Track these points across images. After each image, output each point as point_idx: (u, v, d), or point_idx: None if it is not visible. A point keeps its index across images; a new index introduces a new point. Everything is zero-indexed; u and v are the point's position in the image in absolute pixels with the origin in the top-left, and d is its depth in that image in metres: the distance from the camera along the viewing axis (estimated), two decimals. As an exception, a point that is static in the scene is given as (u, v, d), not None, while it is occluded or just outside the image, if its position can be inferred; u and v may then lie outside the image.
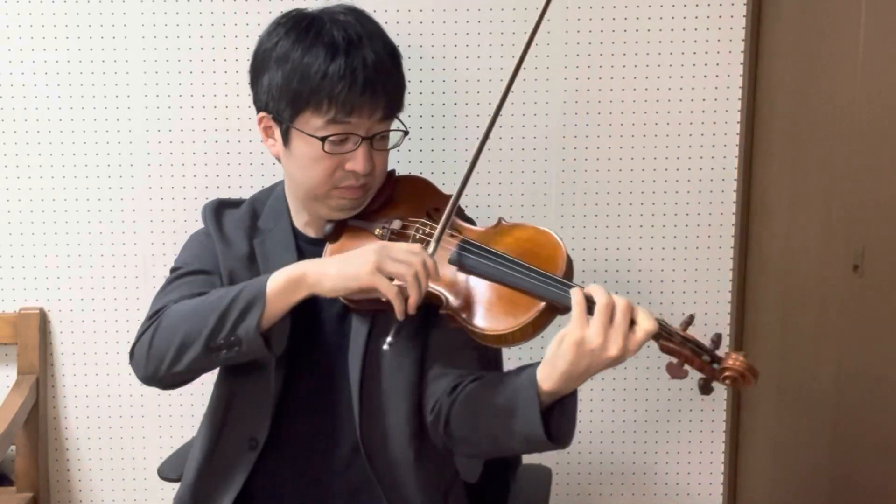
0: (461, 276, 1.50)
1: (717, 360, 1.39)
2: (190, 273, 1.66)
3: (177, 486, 1.76)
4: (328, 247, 1.62)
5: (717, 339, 1.40)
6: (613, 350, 1.35)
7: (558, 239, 1.51)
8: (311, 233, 1.67)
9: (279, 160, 1.64)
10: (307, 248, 1.66)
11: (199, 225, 1.74)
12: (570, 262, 1.50)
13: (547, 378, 1.39)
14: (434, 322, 1.58)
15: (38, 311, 2.34)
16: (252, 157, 2.29)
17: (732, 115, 2.30)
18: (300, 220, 1.67)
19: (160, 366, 1.54)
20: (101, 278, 2.35)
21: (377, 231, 1.60)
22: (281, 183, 1.71)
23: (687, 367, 1.39)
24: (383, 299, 1.47)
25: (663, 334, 1.38)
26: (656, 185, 2.32)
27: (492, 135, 1.60)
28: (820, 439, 2.08)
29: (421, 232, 1.58)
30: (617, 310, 1.35)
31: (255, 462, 1.63)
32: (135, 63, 2.28)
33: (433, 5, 2.26)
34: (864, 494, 1.92)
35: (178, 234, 2.29)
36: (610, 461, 2.44)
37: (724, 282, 2.36)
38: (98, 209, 2.33)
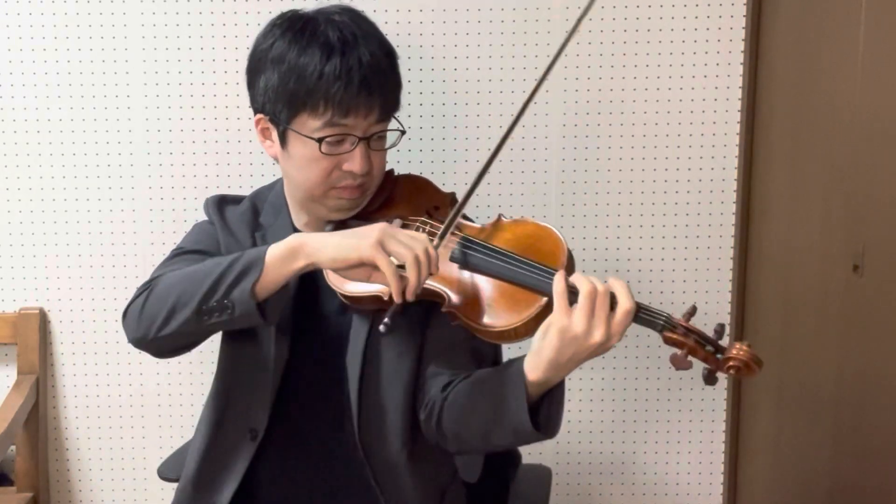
0: (463, 274, 1.51)
1: (721, 350, 1.39)
2: (191, 252, 1.66)
3: (177, 486, 1.76)
4: None
5: (720, 330, 1.41)
6: (597, 336, 1.36)
7: (559, 234, 1.52)
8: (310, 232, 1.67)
9: (277, 161, 1.64)
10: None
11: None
12: (571, 257, 1.50)
13: (534, 368, 1.41)
14: (433, 321, 1.58)
15: (38, 311, 2.34)
16: (252, 157, 2.29)
17: (732, 115, 2.30)
18: (300, 221, 1.68)
19: (150, 328, 1.53)
20: (101, 278, 2.35)
21: None
22: (281, 180, 1.71)
23: (691, 357, 1.39)
24: (381, 291, 1.47)
25: (667, 326, 1.38)
26: (656, 186, 2.32)
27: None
28: (820, 439, 2.08)
29: (422, 230, 1.58)
30: (598, 295, 1.36)
31: (256, 453, 1.63)
32: (135, 63, 2.28)
33: (433, 5, 2.26)
34: (864, 494, 1.92)
35: (178, 234, 2.29)
36: (610, 461, 2.44)
37: (724, 282, 2.36)
38: (98, 209, 2.33)
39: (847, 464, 1.99)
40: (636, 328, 1.42)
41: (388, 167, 1.68)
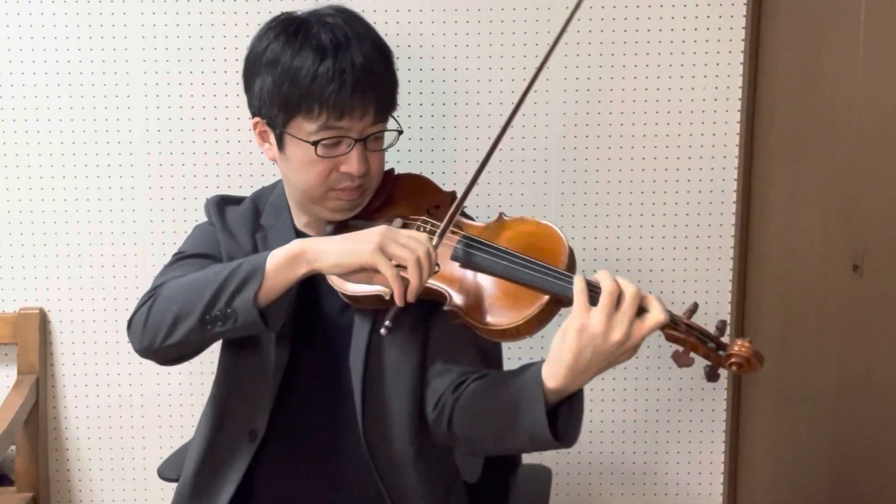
0: (464, 272, 1.51)
1: (723, 346, 1.39)
2: (192, 256, 1.66)
3: (176, 487, 1.76)
4: None
5: (721, 327, 1.40)
6: (617, 335, 1.33)
7: (560, 232, 1.51)
8: (311, 233, 1.67)
9: (276, 163, 1.64)
10: (308, 247, 1.66)
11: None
12: (572, 255, 1.50)
13: (552, 375, 1.38)
14: (436, 319, 1.58)
15: (38, 311, 2.34)
16: (252, 157, 2.29)
17: (732, 115, 2.30)
18: (300, 221, 1.68)
19: (155, 338, 1.54)
20: (101, 278, 2.35)
21: None
22: (282, 181, 1.71)
23: (693, 354, 1.39)
24: (382, 291, 1.47)
25: (669, 323, 1.38)
26: (656, 186, 2.32)
27: (492, 130, 1.59)
28: (820, 439, 2.08)
29: (422, 229, 1.58)
30: (625, 296, 1.34)
31: (256, 454, 1.63)
32: (135, 63, 2.28)
33: (432, 5, 2.26)
34: (863, 493, 1.92)
35: (178, 235, 2.29)
36: (610, 461, 2.44)
37: (724, 282, 2.36)
38: (98, 209, 2.33)
39: (847, 464, 1.99)
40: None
41: (387, 167, 1.68)
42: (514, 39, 2.26)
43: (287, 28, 1.57)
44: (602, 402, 2.40)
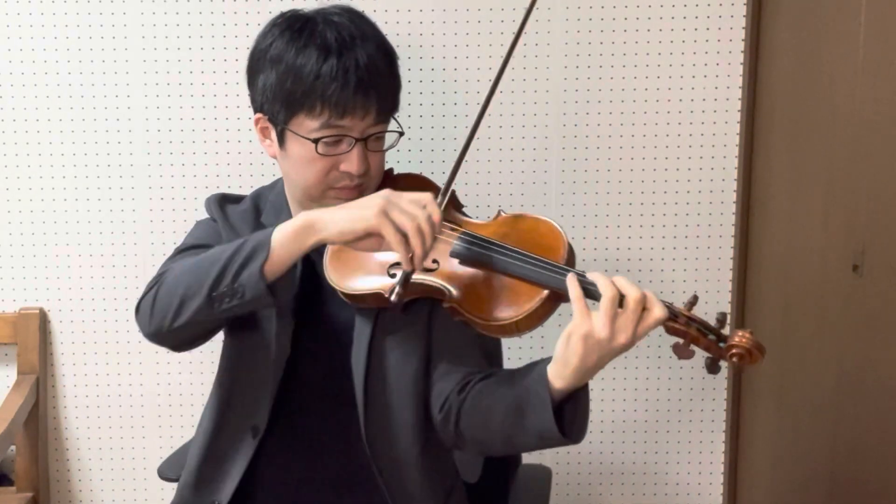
0: (464, 269, 1.51)
1: (724, 338, 1.39)
2: (195, 247, 1.66)
3: (178, 484, 1.76)
4: (328, 247, 1.62)
5: (721, 319, 1.40)
6: (622, 338, 1.35)
7: (559, 228, 1.52)
8: (311, 232, 1.67)
9: (276, 159, 1.64)
10: (308, 247, 1.66)
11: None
12: (571, 250, 1.51)
13: (558, 377, 1.40)
14: (438, 319, 1.58)
15: (38, 311, 2.34)
16: (252, 157, 2.29)
17: (732, 115, 2.30)
18: (300, 220, 1.67)
19: (164, 320, 1.54)
20: (101, 278, 2.35)
21: None
22: (282, 180, 1.71)
23: (693, 347, 1.39)
24: (381, 288, 1.48)
25: (669, 316, 1.38)
26: (656, 185, 2.32)
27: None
28: (820, 439, 2.08)
29: None
30: (629, 300, 1.35)
31: (258, 450, 1.63)
32: (135, 63, 2.28)
33: (432, 5, 2.26)
34: (863, 494, 1.92)
35: (178, 234, 2.29)
36: (610, 461, 2.44)
37: (724, 282, 2.36)
38: (98, 209, 2.33)
39: (846, 463, 1.99)
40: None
41: (387, 166, 1.68)
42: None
43: (292, 25, 1.57)
44: (602, 403, 2.40)
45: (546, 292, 1.43)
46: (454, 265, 1.52)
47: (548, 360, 1.43)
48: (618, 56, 2.28)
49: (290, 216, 1.68)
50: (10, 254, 2.35)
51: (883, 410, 1.84)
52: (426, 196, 1.46)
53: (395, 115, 1.62)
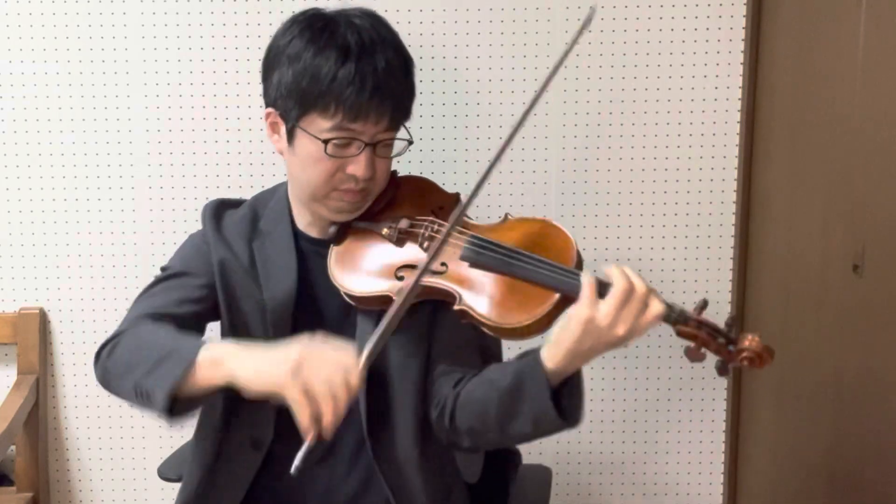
0: (473, 272, 1.51)
1: (734, 342, 1.41)
2: (173, 276, 1.65)
3: (177, 486, 1.76)
4: (333, 249, 1.62)
5: (731, 322, 1.41)
6: (621, 329, 1.37)
7: (568, 231, 1.53)
8: (313, 233, 1.66)
9: (283, 156, 1.64)
10: (309, 248, 1.66)
11: (200, 225, 1.74)
12: (579, 254, 1.52)
13: (551, 357, 1.42)
14: (441, 321, 1.58)
15: (38, 311, 2.34)
16: (252, 157, 2.29)
17: (732, 115, 2.30)
18: (303, 221, 1.67)
19: (108, 384, 1.58)
20: (101, 278, 2.35)
21: (384, 231, 1.60)
22: (284, 184, 1.71)
23: (704, 350, 1.40)
24: (388, 290, 1.49)
25: (680, 319, 1.40)
26: (656, 186, 2.33)
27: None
28: (820, 439, 2.08)
29: (430, 230, 1.58)
30: (636, 293, 1.37)
31: (260, 462, 1.63)
32: (135, 63, 2.28)
33: (439, 8, 2.26)
34: (863, 494, 1.92)
35: (178, 235, 2.29)
36: (610, 461, 2.44)
37: (724, 282, 2.36)
38: (98, 209, 2.33)
39: (847, 463, 1.99)
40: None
41: (392, 168, 1.67)
42: (522, 41, 2.26)
43: (313, 24, 1.56)
44: (602, 402, 2.40)
45: (557, 296, 1.44)
46: (464, 268, 1.52)
47: (539, 347, 1.45)
48: (618, 56, 2.28)
49: (290, 223, 1.67)
50: (10, 254, 2.34)
51: (883, 410, 1.84)
52: (348, 359, 1.37)
53: (405, 124, 1.61)
